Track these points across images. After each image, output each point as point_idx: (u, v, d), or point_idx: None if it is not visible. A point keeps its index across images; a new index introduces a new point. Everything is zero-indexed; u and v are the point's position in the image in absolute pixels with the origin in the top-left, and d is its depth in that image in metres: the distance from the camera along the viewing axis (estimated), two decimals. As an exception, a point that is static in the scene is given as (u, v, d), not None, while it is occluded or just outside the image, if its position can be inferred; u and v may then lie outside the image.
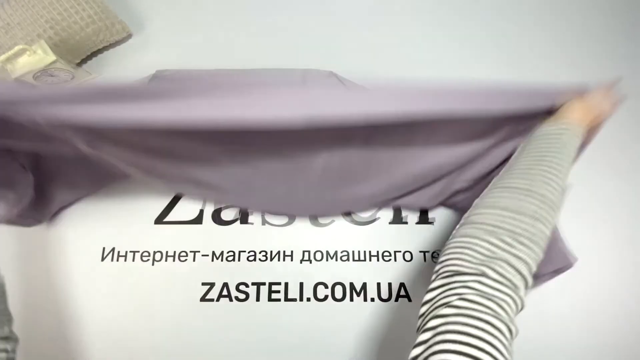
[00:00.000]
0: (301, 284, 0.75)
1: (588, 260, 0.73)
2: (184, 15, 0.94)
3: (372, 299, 0.73)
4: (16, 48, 0.75)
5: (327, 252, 0.76)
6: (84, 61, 0.93)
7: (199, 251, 0.77)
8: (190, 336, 0.72)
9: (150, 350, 0.71)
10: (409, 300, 0.72)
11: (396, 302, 0.72)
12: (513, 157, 0.50)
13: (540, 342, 0.68)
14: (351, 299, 0.73)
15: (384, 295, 0.73)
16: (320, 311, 0.72)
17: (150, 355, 0.71)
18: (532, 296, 0.70)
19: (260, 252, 0.77)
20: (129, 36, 0.95)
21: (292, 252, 0.77)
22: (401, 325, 0.70)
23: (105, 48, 0.94)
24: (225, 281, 0.74)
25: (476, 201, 0.44)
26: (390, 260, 0.75)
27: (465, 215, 0.43)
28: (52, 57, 0.78)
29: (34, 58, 0.77)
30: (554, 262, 0.59)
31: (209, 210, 0.80)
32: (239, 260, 0.76)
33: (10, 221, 0.68)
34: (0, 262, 0.53)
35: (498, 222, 0.38)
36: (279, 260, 0.76)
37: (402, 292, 0.73)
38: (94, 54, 0.93)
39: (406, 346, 0.68)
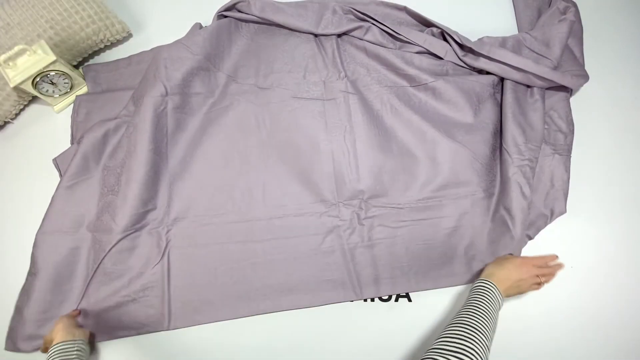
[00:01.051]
0: (302, 285, 0.75)
1: (591, 260, 0.74)
2: (184, 15, 0.94)
3: (372, 299, 0.73)
4: (16, 48, 0.75)
5: (328, 253, 0.77)
6: (84, 61, 0.92)
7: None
8: (191, 336, 0.72)
9: (151, 350, 0.72)
10: (409, 300, 0.73)
11: (396, 302, 0.73)
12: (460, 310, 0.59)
13: (543, 343, 0.70)
14: (351, 299, 0.73)
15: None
16: (320, 311, 0.73)
17: (151, 356, 0.71)
18: (534, 296, 0.71)
19: (261, 253, 0.77)
20: (129, 36, 0.95)
21: (293, 252, 0.77)
22: (401, 325, 0.71)
23: (106, 48, 0.93)
24: (226, 282, 0.75)
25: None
26: (390, 261, 0.76)
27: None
28: (52, 57, 0.78)
29: (34, 58, 0.77)
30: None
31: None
32: (240, 261, 0.76)
33: None
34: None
35: None
36: (280, 261, 0.76)
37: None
38: (94, 54, 0.93)
39: (406, 346, 0.69)
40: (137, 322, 0.71)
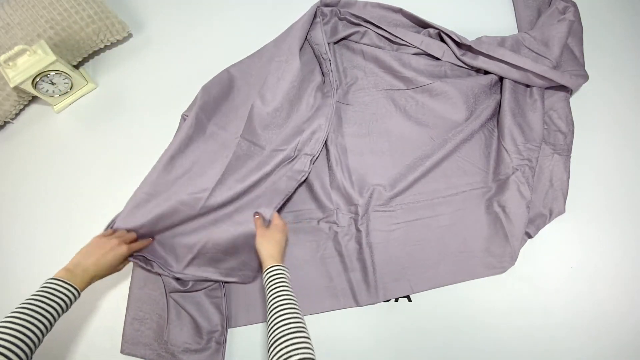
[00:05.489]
0: (302, 285, 0.75)
1: (591, 259, 0.74)
2: (184, 15, 0.94)
3: (372, 299, 0.73)
4: (16, 48, 0.75)
5: (328, 253, 0.77)
6: (84, 61, 0.93)
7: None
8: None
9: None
10: (409, 300, 0.73)
11: (396, 302, 0.73)
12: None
13: (543, 342, 0.70)
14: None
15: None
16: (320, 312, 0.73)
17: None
18: (536, 295, 0.71)
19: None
20: (129, 36, 0.95)
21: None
22: (401, 325, 0.71)
23: (106, 48, 0.94)
24: (226, 281, 0.75)
25: None
26: (390, 260, 0.76)
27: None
28: (52, 57, 0.78)
29: (34, 58, 0.77)
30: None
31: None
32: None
33: None
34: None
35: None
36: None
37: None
38: (94, 54, 0.93)
39: (406, 346, 0.69)
40: None
